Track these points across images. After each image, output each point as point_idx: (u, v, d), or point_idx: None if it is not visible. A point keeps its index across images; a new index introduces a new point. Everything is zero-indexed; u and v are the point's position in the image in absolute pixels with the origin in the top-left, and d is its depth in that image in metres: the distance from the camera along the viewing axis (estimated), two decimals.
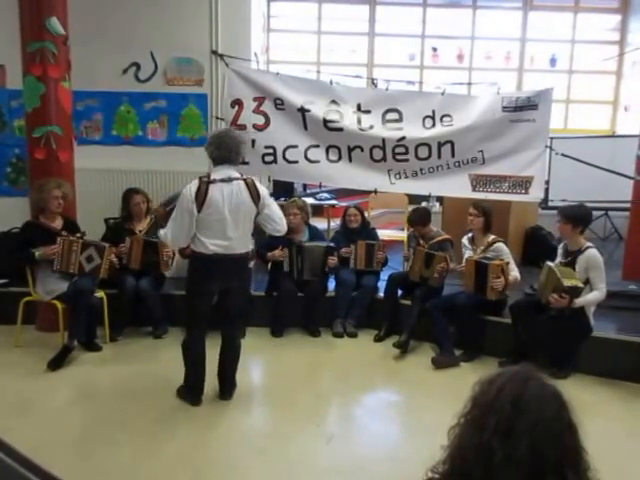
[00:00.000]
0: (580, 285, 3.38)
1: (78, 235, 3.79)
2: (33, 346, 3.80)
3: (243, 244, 3.02)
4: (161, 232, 3.04)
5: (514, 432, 0.98)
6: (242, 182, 2.95)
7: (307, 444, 2.73)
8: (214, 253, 2.90)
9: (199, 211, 2.86)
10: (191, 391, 3.09)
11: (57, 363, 3.47)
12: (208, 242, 2.90)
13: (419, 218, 4.23)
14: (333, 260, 4.23)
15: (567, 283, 3.34)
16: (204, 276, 2.97)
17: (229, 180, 2.91)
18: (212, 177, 2.90)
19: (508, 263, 3.74)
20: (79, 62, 4.24)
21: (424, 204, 5.34)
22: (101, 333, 3.90)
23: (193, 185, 2.89)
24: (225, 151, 2.93)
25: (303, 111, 4.53)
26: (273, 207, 3.09)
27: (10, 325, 3.85)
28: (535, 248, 5.20)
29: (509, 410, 1.00)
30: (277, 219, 3.09)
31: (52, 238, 3.67)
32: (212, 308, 3.10)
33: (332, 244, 4.34)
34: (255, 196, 2.96)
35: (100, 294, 3.88)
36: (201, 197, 2.84)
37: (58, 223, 3.85)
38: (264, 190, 3.06)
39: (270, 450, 2.65)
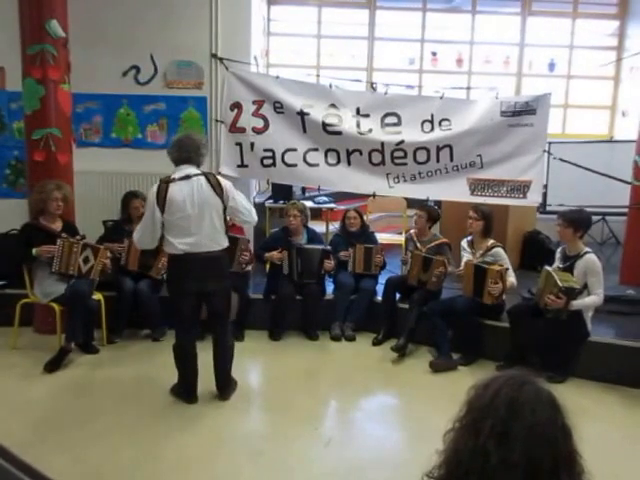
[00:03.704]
0: (576, 286, 3.38)
1: (78, 237, 3.78)
2: (30, 348, 3.79)
3: (214, 241, 2.98)
4: (133, 234, 3.12)
5: (509, 436, 0.98)
6: (202, 177, 2.97)
7: (305, 447, 2.73)
8: (184, 252, 2.92)
9: (162, 212, 2.89)
10: (185, 391, 3.12)
11: (54, 365, 3.47)
12: (176, 241, 2.92)
13: (433, 212, 4.30)
14: (330, 264, 4.24)
15: (564, 284, 3.35)
16: (180, 276, 2.99)
17: (187, 177, 2.93)
18: (172, 177, 2.95)
19: (507, 269, 3.74)
20: (79, 64, 4.25)
21: None
22: (99, 335, 3.90)
23: (154, 187, 2.94)
24: (185, 152, 2.98)
25: (302, 114, 4.54)
26: (238, 198, 3.06)
27: (7, 327, 3.85)
28: (533, 252, 5.21)
29: (504, 414, 1.00)
30: (243, 210, 3.07)
31: (52, 240, 3.66)
32: (199, 310, 3.13)
33: (328, 247, 4.35)
34: (218, 189, 2.96)
35: (98, 296, 3.87)
36: (161, 197, 2.89)
37: (58, 225, 3.84)
38: (227, 183, 3.05)
39: (268, 453, 2.65)
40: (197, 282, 2.95)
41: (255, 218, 3.19)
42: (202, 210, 2.92)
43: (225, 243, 3.07)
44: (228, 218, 3.11)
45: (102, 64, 4.73)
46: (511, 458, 0.97)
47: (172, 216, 2.90)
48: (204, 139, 3.18)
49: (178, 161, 3.00)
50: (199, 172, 2.99)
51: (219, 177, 3.08)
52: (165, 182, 2.92)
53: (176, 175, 2.95)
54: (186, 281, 2.95)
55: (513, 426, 0.99)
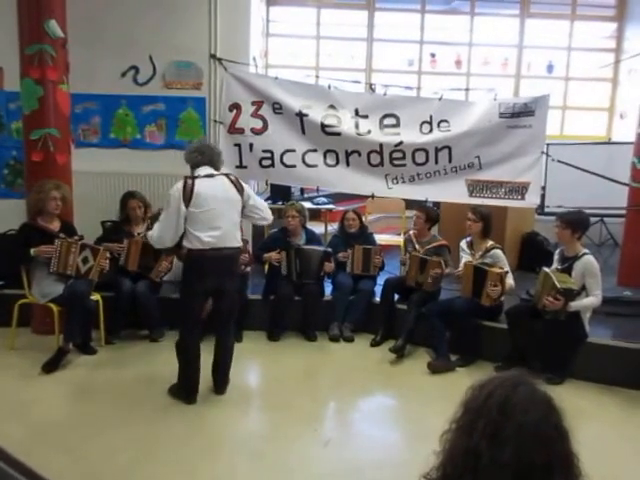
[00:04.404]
0: (574, 287, 3.39)
1: (76, 237, 3.77)
2: (28, 349, 3.79)
3: (234, 237, 3.11)
4: (149, 233, 3.20)
5: (500, 436, 0.98)
6: (224, 176, 3.14)
7: (304, 448, 2.73)
8: (210, 247, 2.99)
9: (187, 206, 2.97)
10: (185, 390, 3.12)
11: (52, 366, 3.46)
12: (202, 235, 2.99)
13: (432, 213, 4.30)
14: (330, 265, 4.24)
15: (562, 286, 3.36)
16: (199, 274, 3.03)
17: (211, 176, 3.08)
18: (196, 174, 3.07)
19: (507, 272, 3.75)
20: (78, 65, 4.24)
21: None
22: (97, 336, 3.89)
23: (179, 184, 3.03)
24: (208, 156, 3.14)
25: (301, 115, 4.55)
26: (256, 198, 3.29)
27: (5, 327, 3.83)
28: (531, 253, 5.23)
29: (496, 414, 0.99)
30: (262, 207, 3.29)
31: (50, 240, 3.65)
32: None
33: (329, 249, 4.35)
34: (239, 188, 3.13)
35: (96, 297, 3.87)
36: (188, 192, 2.98)
37: (56, 225, 3.82)
38: (245, 185, 3.23)
39: (267, 453, 2.65)
40: (215, 279, 3.03)
41: (271, 216, 3.36)
42: (226, 205, 3.06)
43: (240, 242, 3.20)
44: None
45: (101, 64, 4.73)
46: (501, 458, 0.96)
47: (198, 209, 2.98)
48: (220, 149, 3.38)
49: (200, 163, 3.12)
50: (220, 172, 3.15)
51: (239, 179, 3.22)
52: (191, 178, 3.04)
53: (200, 173, 3.07)
54: (204, 278, 3.02)
55: (504, 426, 0.98)
